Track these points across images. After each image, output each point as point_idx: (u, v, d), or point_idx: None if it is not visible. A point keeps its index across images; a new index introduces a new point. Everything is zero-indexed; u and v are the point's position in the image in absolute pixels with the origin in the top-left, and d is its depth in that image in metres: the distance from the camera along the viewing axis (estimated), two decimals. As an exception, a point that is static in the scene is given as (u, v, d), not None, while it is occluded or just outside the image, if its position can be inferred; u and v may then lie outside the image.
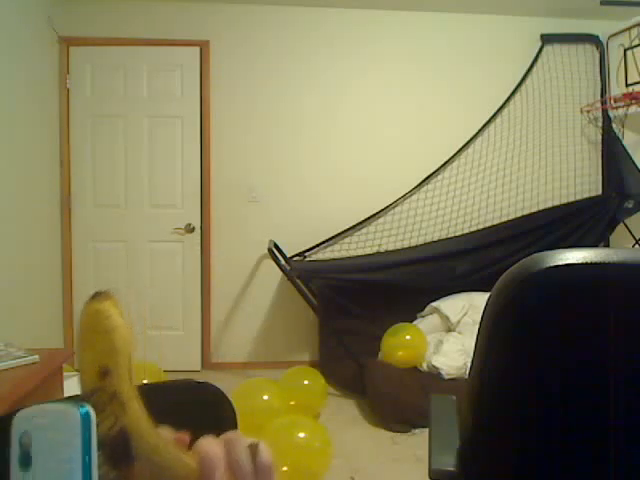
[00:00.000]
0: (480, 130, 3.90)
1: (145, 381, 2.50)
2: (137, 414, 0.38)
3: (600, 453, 0.71)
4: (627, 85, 3.60)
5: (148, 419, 0.38)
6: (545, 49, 3.94)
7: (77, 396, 0.39)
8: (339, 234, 3.79)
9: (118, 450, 0.36)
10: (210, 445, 0.38)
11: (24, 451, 0.33)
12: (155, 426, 0.39)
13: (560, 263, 0.69)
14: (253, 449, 0.39)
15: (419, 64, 3.88)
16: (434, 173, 3.89)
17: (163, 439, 0.38)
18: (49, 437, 0.33)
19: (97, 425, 0.35)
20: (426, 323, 3.50)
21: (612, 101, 3.78)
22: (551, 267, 0.69)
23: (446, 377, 3.06)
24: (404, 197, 3.87)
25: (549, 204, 3.95)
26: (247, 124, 3.80)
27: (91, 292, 0.40)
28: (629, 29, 3.55)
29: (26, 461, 0.33)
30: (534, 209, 3.94)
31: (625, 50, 3.59)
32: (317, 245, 3.78)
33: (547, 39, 3.92)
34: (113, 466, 0.36)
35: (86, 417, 0.34)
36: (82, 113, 3.66)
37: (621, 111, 3.69)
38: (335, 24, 3.82)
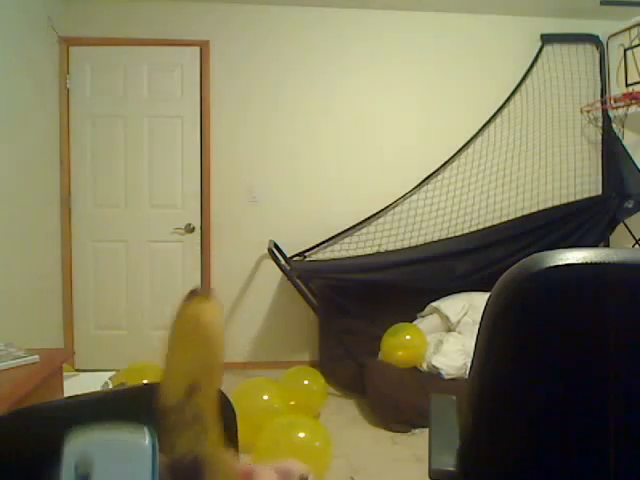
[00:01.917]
0: (480, 130, 3.90)
1: (145, 381, 2.50)
2: (216, 443, 0.35)
3: (600, 453, 0.71)
4: (627, 85, 3.60)
5: (224, 448, 0.35)
6: (545, 49, 3.94)
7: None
8: (339, 234, 3.79)
9: (190, 477, 0.33)
10: None
11: (82, 476, 0.31)
12: (229, 456, 0.36)
13: (560, 263, 0.69)
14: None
15: (419, 64, 3.88)
16: (434, 173, 3.89)
17: (234, 473, 0.36)
18: (114, 465, 0.30)
19: (173, 446, 0.33)
20: (426, 323, 3.50)
21: (612, 101, 3.78)
22: (551, 267, 0.69)
23: (446, 377, 3.05)
24: (404, 197, 3.87)
25: (549, 204, 3.95)
26: (247, 124, 3.80)
27: (186, 290, 0.36)
28: (629, 29, 3.55)
29: None
30: (534, 209, 3.94)
31: (625, 50, 3.59)
32: (317, 245, 3.78)
33: (547, 39, 3.92)
34: None
35: (154, 449, 0.31)
36: (82, 113, 3.66)
37: (621, 111, 3.69)
38: (335, 24, 3.82)
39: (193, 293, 0.35)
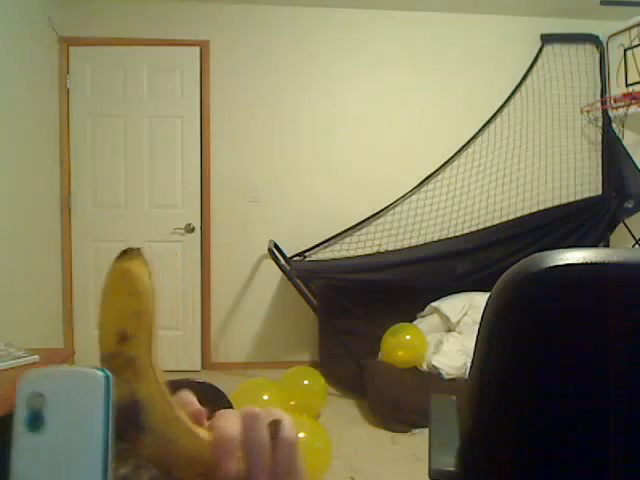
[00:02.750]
0: (480, 130, 3.90)
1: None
2: (152, 383, 0.36)
3: (600, 453, 0.71)
4: (627, 85, 3.60)
5: (164, 390, 0.36)
6: (545, 49, 3.94)
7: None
8: (339, 234, 3.79)
9: (128, 420, 0.35)
10: (227, 420, 0.36)
11: (34, 412, 0.31)
12: (171, 398, 0.37)
13: (560, 263, 0.69)
14: (275, 425, 0.37)
15: (419, 64, 3.88)
16: (434, 173, 3.89)
17: (177, 411, 0.37)
18: (66, 399, 0.31)
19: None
20: (426, 323, 3.50)
21: (612, 101, 3.78)
22: (551, 267, 0.69)
23: (446, 377, 3.06)
24: (404, 197, 3.87)
25: (549, 204, 3.95)
26: (247, 124, 3.80)
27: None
28: (629, 29, 3.55)
29: (36, 423, 0.31)
30: (534, 209, 3.94)
31: (625, 50, 3.59)
32: (317, 245, 3.78)
33: (547, 39, 3.92)
34: (120, 436, 0.34)
35: (108, 381, 0.32)
36: (82, 113, 3.66)
37: (621, 111, 3.69)
38: (335, 24, 3.82)
39: (125, 252, 0.38)
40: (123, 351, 0.35)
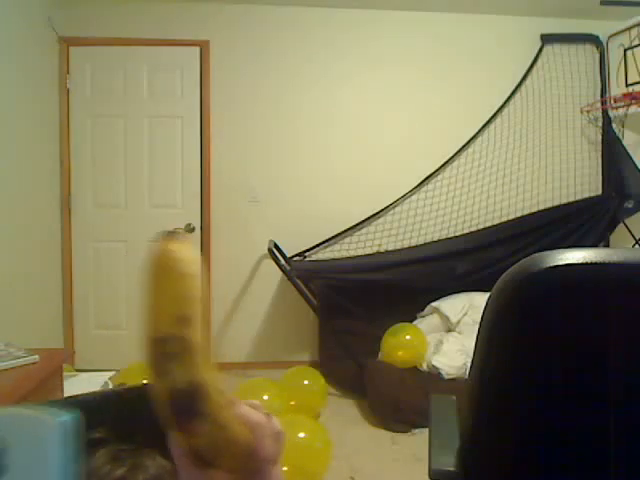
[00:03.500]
0: (480, 130, 3.90)
1: (145, 381, 2.50)
2: (209, 369, 0.35)
3: (600, 452, 0.71)
4: (627, 85, 3.60)
5: (217, 376, 0.36)
6: (545, 49, 3.94)
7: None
8: (339, 234, 3.79)
9: (185, 407, 0.34)
10: (249, 409, 0.41)
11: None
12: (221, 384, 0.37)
13: (560, 263, 0.69)
14: (269, 417, 0.41)
15: (419, 64, 3.88)
16: (434, 173, 3.89)
17: (226, 399, 0.37)
18: (27, 446, 0.31)
19: (167, 374, 0.33)
20: (426, 323, 3.50)
21: (612, 101, 3.78)
22: (551, 267, 0.69)
23: (446, 377, 3.05)
24: (404, 197, 3.87)
25: (549, 204, 3.95)
26: (247, 124, 3.80)
27: (163, 234, 0.36)
28: (629, 29, 3.55)
29: (0, 469, 0.30)
30: (534, 209, 3.94)
31: (625, 50, 3.59)
32: (317, 245, 3.78)
33: (547, 39, 3.92)
34: (178, 422, 0.34)
35: (64, 427, 0.31)
36: (82, 113, 3.66)
37: (621, 111, 3.69)
38: (335, 24, 3.82)
39: (169, 233, 0.36)
40: (182, 334, 0.35)
